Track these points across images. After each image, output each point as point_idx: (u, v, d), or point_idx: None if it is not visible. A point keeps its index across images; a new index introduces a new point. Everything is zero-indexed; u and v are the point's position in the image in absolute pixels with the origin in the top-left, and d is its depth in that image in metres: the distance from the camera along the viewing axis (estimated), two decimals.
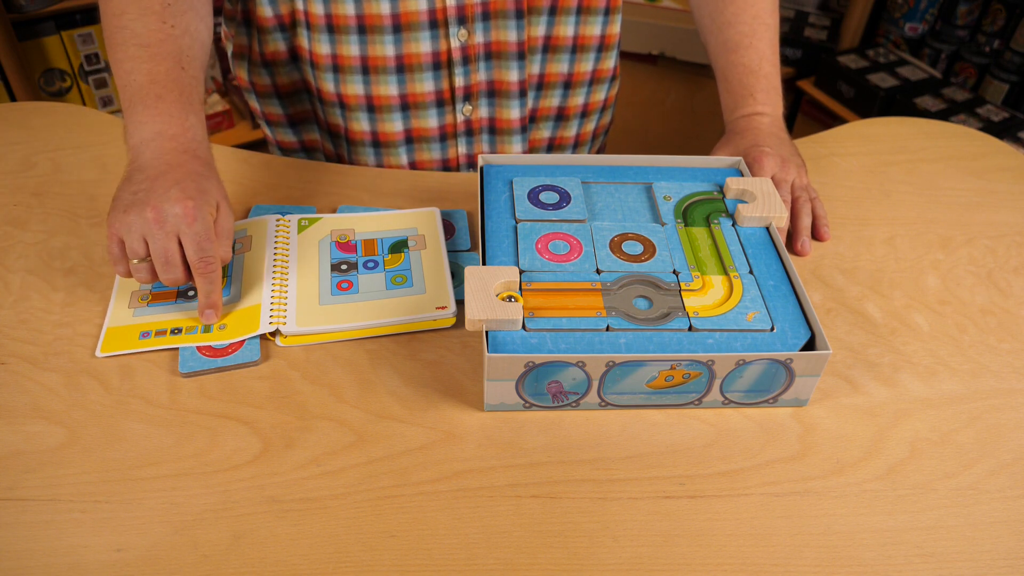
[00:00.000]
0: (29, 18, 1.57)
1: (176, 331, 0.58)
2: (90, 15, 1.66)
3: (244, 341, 0.58)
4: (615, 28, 0.84)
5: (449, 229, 0.70)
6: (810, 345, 0.54)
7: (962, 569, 0.47)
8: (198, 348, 0.57)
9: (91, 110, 0.86)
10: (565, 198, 0.65)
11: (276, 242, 0.66)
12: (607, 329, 0.53)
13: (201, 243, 0.57)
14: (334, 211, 0.72)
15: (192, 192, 0.57)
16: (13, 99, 1.57)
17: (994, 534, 0.49)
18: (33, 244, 0.68)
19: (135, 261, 0.58)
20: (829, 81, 1.78)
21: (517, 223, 0.62)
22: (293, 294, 0.62)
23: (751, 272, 0.59)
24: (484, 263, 0.59)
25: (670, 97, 1.92)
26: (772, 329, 0.54)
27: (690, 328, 0.54)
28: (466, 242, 0.69)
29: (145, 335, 0.58)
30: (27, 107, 0.86)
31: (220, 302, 0.59)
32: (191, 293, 0.62)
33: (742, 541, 0.48)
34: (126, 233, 0.57)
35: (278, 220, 0.68)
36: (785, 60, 1.87)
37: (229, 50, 0.84)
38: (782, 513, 0.49)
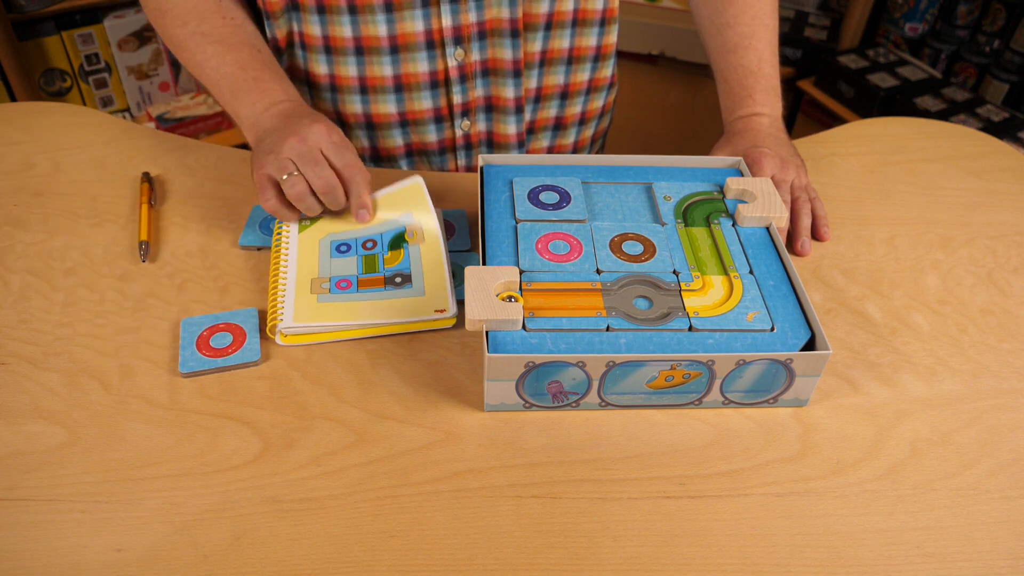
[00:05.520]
0: (29, 18, 1.57)
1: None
2: (90, 15, 1.65)
3: (244, 341, 0.58)
4: (611, 38, 0.84)
5: (449, 229, 0.70)
6: (810, 345, 0.54)
7: (962, 569, 0.47)
8: (198, 348, 0.57)
9: (91, 110, 0.86)
10: (565, 198, 0.65)
11: (276, 242, 0.66)
12: (607, 329, 0.53)
13: (341, 151, 0.64)
14: None
15: (320, 118, 0.66)
16: (13, 99, 1.57)
17: (994, 534, 0.49)
18: (33, 244, 0.68)
19: (285, 176, 0.63)
20: (829, 81, 1.78)
21: (517, 223, 0.62)
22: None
23: (751, 272, 0.59)
24: (484, 263, 0.59)
25: (670, 97, 1.92)
26: (772, 329, 0.54)
27: (690, 328, 0.54)
28: (466, 242, 0.69)
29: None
30: (27, 107, 0.86)
31: (371, 203, 0.66)
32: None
33: (742, 541, 0.48)
34: (274, 163, 0.63)
35: (278, 220, 0.68)
36: (785, 60, 1.87)
37: None
38: (782, 513, 0.49)
